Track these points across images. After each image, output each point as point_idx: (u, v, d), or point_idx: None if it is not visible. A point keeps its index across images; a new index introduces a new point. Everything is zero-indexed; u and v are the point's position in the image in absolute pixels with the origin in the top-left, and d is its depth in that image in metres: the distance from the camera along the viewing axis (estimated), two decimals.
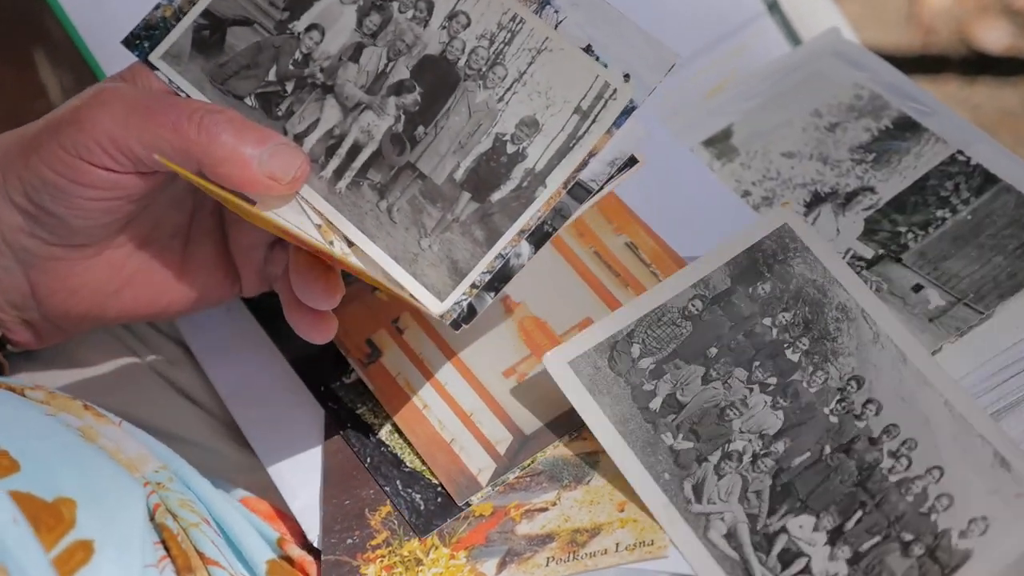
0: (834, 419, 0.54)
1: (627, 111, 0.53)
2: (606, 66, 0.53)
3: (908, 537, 0.50)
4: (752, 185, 0.65)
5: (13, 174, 0.53)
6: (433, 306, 0.53)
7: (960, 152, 0.63)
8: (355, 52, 0.56)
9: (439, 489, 0.57)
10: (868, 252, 0.61)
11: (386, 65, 0.56)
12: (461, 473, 0.58)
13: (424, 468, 0.58)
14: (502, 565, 0.54)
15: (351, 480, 0.58)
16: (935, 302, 0.58)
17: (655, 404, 0.56)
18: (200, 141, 0.51)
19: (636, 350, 0.57)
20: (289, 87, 0.56)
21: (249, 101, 0.56)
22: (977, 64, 1.62)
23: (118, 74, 0.56)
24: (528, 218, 0.53)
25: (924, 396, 0.53)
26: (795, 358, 0.55)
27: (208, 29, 0.56)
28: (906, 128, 0.65)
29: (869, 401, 0.54)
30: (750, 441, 0.54)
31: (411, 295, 0.53)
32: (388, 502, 0.57)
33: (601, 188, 0.53)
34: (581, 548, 0.53)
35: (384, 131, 0.55)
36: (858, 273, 0.60)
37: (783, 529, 0.51)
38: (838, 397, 0.54)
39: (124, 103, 0.52)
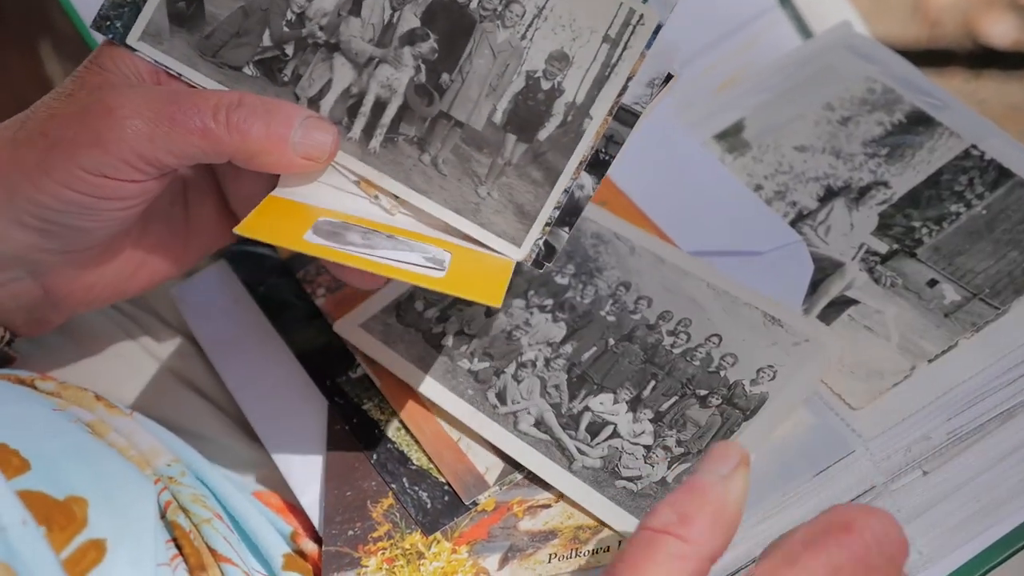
0: (612, 318, 0.58)
1: (654, 30, 0.52)
2: (646, 3, 0.52)
3: (703, 392, 0.55)
4: (764, 179, 0.64)
5: (22, 196, 0.51)
6: (511, 252, 0.52)
7: (974, 147, 0.63)
8: (354, 5, 0.53)
9: (446, 488, 0.56)
10: (883, 247, 0.60)
11: (391, 15, 0.53)
12: (468, 472, 0.56)
13: (431, 466, 0.57)
14: (504, 560, 0.53)
15: (353, 472, 0.57)
16: (950, 297, 0.58)
17: (447, 341, 0.60)
18: (233, 141, 0.50)
19: (420, 305, 0.61)
20: (289, 50, 0.54)
21: (248, 70, 0.54)
22: (983, 58, 1.61)
23: (95, 60, 0.53)
24: (583, 150, 0.52)
25: (686, 284, 0.58)
26: (564, 281, 0.61)
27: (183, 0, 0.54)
28: (919, 122, 0.64)
29: (640, 298, 0.59)
30: (540, 350, 0.58)
31: (484, 244, 0.52)
32: (390, 494, 0.56)
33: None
34: (583, 545, 0.53)
35: (406, 83, 0.53)
36: (872, 268, 0.60)
37: (586, 408, 0.56)
38: (611, 301, 0.59)
39: (143, 115, 0.50)
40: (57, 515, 0.47)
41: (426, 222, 0.53)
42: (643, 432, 0.54)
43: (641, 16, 0.52)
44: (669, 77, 0.53)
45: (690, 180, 0.64)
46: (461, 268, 0.51)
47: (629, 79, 0.52)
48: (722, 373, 0.55)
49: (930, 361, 0.55)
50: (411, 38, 0.53)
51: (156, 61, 0.53)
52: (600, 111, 0.52)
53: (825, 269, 0.60)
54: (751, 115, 0.67)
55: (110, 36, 0.53)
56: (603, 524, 0.53)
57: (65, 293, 0.55)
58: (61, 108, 0.51)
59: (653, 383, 0.56)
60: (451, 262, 0.51)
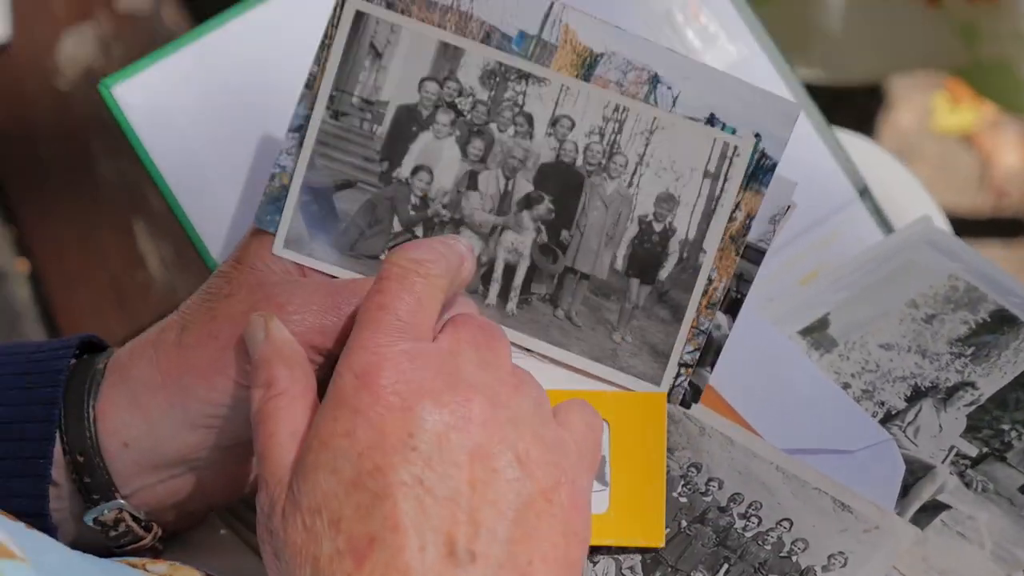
0: (684, 499, 0.58)
1: (769, 168, 0.55)
2: (734, 131, 0.55)
3: None
4: (851, 378, 0.64)
5: (195, 398, 0.52)
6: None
7: None
8: (471, 181, 0.56)
9: None
10: (972, 450, 0.60)
11: (506, 184, 0.56)
12: None
13: None
14: None
15: None
16: None
17: None
18: None
19: None
20: (419, 231, 0.56)
21: (385, 257, 0.55)
22: None
23: (243, 261, 0.55)
24: (703, 284, 0.55)
25: (756, 466, 0.58)
26: None
27: (315, 204, 0.56)
28: (1004, 322, 0.64)
29: (711, 479, 0.58)
30: None
31: (626, 388, 0.55)
32: None
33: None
34: None
35: (530, 245, 0.56)
36: (963, 472, 0.59)
37: None
38: (683, 482, 0.58)
39: (311, 309, 0.52)
40: None
41: (572, 371, 0.56)
42: None
43: (736, 148, 0.55)
44: (788, 208, 0.56)
45: (778, 375, 0.64)
46: (622, 477, 0.54)
47: (750, 217, 0.55)
48: (794, 558, 0.55)
49: None
50: (528, 202, 0.56)
51: (302, 264, 0.56)
52: (712, 244, 0.56)
53: (916, 472, 0.59)
54: (835, 311, 0.67)
55: (272, 230, 0.56)
56: None
57: (219, 485, 0.55)
58: (225, 309, 0.53)
59: (726, 567, 0.56)
60: (610, 440, 0.54)
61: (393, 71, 0.56)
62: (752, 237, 0.55)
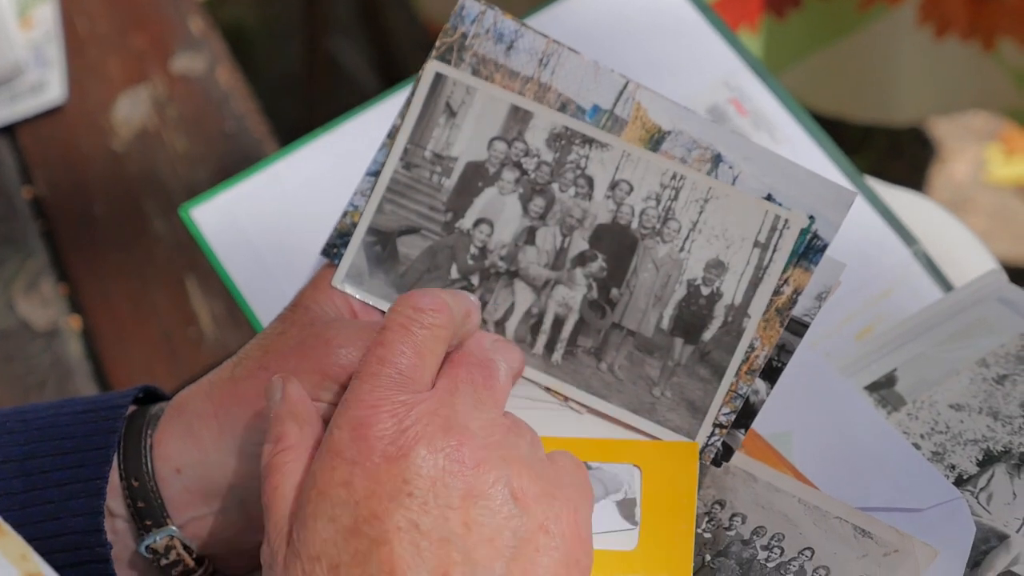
0: (708, 535, 0.59)
1: (820, 248, 0.57)
2: (790, 210, 0.57)
3: None
4: (920, 439, 0.63)
5: (244, 425, 0.55)
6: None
7: None
8: (529, 236, 0.59)
9: None
10: None
11: (563, 241, 0.59)
12: None
13: None
14: None
15: None
16: None
17: None
18: None
19: None
20: (475, 280, 0.58)
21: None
22: None
23: (299, 304, 0.58)
24: (744, 348, 0.57)
25: (778, 500, 0.59)
26: None
27: (379, 244, 0.59)
28: None
29: (734, 515, 0.59)
30: None
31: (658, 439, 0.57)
32: None
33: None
34: None
35: (580, 300, 0.58)
36: None
37: None
38: (707, 519, 0.59)
39: (356, 344, 0.54)
40: None
41: (608, 419, 0.58)
42: None
43: (787, 221, 0.57)
44: (834, 286, 0.57)
45: (846, 428, 0.63)
46: (651, 512, 0.55)
47: (797, 292, 0.57)
48: None
49: None
50: (582, 260, 0.58)
51: (358, 299, 0.58)
52: (757, 310, 0.57)
53: (989, 541, 0.57)
54: (903, 367, 0.66)
55: (336, 261, 0.59)
56: None
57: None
58: (276, 344, 0.56)
59: None
60: (641, 484, 0.55)
61: (465, 129, 0.59)
62: (797, 311, 0.57)
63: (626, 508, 0.54)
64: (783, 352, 0.57)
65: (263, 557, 0.49)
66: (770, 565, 0.58)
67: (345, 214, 0.60)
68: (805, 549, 0.58)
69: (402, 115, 0.60)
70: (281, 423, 0.51)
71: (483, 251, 0.59)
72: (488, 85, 0.59)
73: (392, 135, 0.60)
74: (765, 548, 0.58)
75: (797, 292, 0.57)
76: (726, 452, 0.57)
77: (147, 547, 0.55)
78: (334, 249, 0.60)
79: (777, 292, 0.57)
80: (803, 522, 0.58)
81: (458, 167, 0.59)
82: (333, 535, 0.46)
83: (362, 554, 0.46)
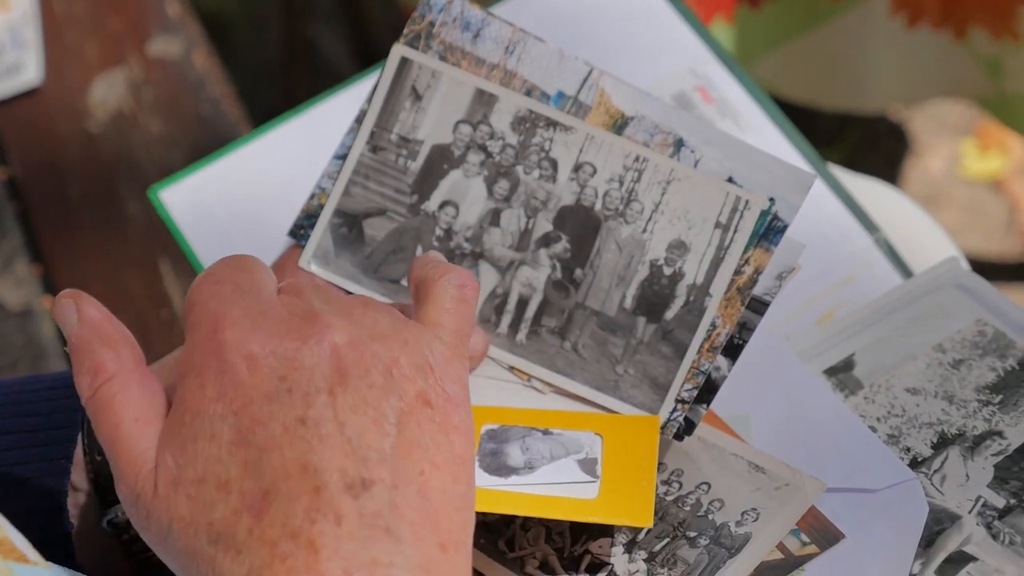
0: None
1: (780, 229, 0.58)
2: (751, 192, 0.58)
3: (692, 534, 0.59)
4: (877, 422, 0.64)
5: None
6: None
7: None
8: (494, 217, 0.59)
9: None
10: (1000, 501, 0.59)
11: (527, 223, 0.59)
12: None
13: None
14: None
15: None
16: None
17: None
18: None
19: None
20: None
21: (405, 282, 0.59)
22: None
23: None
24: (706, 327, 0.58)
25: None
26: None
27: (345, 226, 0.60)
28: None
29: None
30: None
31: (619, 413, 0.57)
32: None
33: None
34: None
35: (545, 280, 0.59)
36: (990, 524, 0.58)
37: (586, 551, 0.59)
38: None
39: None
40: None
41: (573, 399, 0.58)
42: (637, 571, 0.58)
43: (747, 202, 0.58)
44: (794, 269, 0.59)
45: (802, 408, 0.64)
46: (612, 471, 0.55)
47: (758, 273, 0.58)
48: (710, 516, 0.59)
49: None
50: (546, 241, 0.59)
51: (324, 279, 0.59)
52: (718, 289, 0.58)
53: (942, 522, 0.58)
54: (861, 352, 0.67)
55: (302, 242, 0.60)
56: None
57: None
58: None
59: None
60: (603, 449, 0.56)
61: (431, 113, 0.60)
62: (758, 290, 0.58)
63: (587, 466, 0.55)
64: (744, 330, 0.58)
65: (122, 498, 0.46)
66: (668, 499, 0.59)
67: (312, 196, 0.61)
68: (702, 483, 0.59)
69: (369, 99, 0.60)
70: (92, 351, 0.47)
71: (448, 233, 0.60)
72: (453, 69, 0.60)
73: (360, 119, 0.60)
74: (664, 483, 0.60)
75: (758, 272, 0.58)
76: (688, 427, 0.58)
77: (109, 521, 0.55)
78: (301, 230, 0.60)
79: (738, 272, 0.58)
80: (701, 459, 0.60)
81: (424, 150, 0.60)
82: (216, 452, 0.44)
83: (252, 464, 0.44)
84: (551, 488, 0.54)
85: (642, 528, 0.58)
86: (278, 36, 1.75)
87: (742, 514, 0.59)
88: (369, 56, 1.74)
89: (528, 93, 0.59)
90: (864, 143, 1.76)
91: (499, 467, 0.55)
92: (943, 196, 1.73)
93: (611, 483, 0.55)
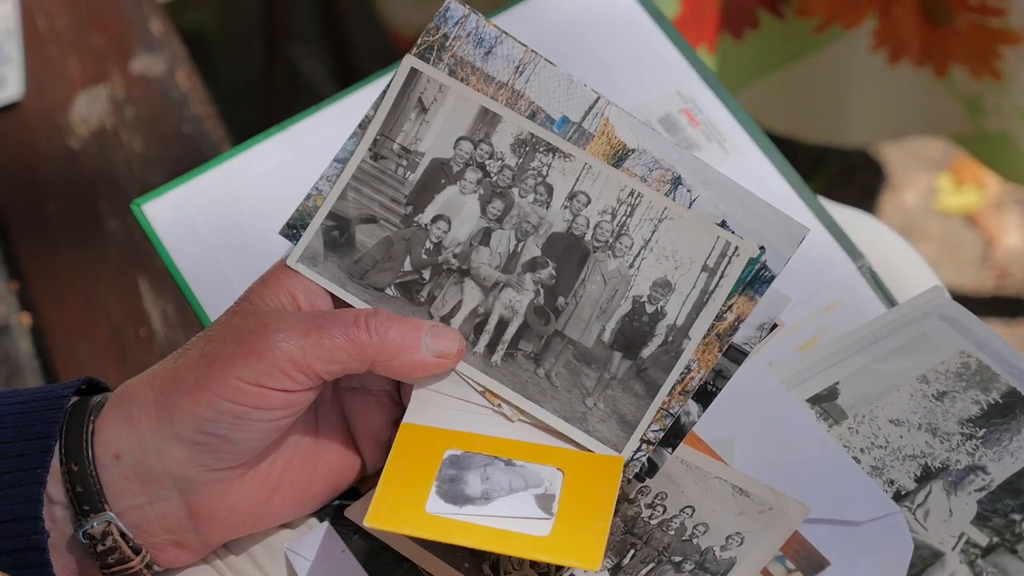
0: None
1: (767, 280, 0.58)
2: (742, 239, 0.58)
3: (677, 559, 0.58)
4: (861, 452, 0.63)
5: (181, 411, 0.55)
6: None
7: None
8: (484, 237, 0.60)
9: None
10: (983, 539, 0.58)
11: (516, 245, 0.59)
12: None
13: None
14: None
15: None
16: None
17: None
18: (373, 342, 0.55)
19: None
20: (427, 274, 0.59)
21: (390, 291, 0.59)
22: None
23: (245, 299, 0.59)
24: (680, 370, 0.57)
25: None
26: None
27: (336, 230, 0.60)
28: (1016, 405, 0.63)
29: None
30: None
31: (586, 448, 0.57)
32: None
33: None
34: None
35: (526, 305, 0.59)
36: (973, 562, 0.58)
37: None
38: None
39: (295, 329, 0.55)
40: None
41: (541, 428, 0.58)
42: None
43: (737, 248, 0.58)
44: (774, 326, 0.58)
45: (786, 437, 0.64)
46: (569, 509, 0.55)
47: (740, 320, 0.57)
48: (695, 541, 0.59)
49: None
50: (532, 266, 0.59)
51: (310, 279, 0.59)
52: (698, 333, 0.58)
53: (925, 558, 0.58)
54: (845, 380, 0.66)
55: (294, 243, 0.60)
56: None
57: (208, 514, 0.57)
58: (218, 333, 0.57)
59: (632, 552, 0.59)
60: (563, 485, 0.55)
61: (434, 126, 0.60)
62: (738, 339, 0.58)
63: (544, 502, 0.55)
64: (719, 377, 0.58)
65: None
66: (653, 522, 0.59)
67: (308, 197, 0.61)
68: (686, 507, 0.59)
69: (376, 106, 0.61)
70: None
71: (438, 247, 0.59)
72: (460, 85, 0.60)
73: (364, 124, 0.61)
74: (649, 507, 0.59)
75: (739, 320, 0.58)
76: (651, 469, 0.57)
77: (84, 532, 0.55)
78: (293, 230, 0.60)
79: (720, 318, 0.58)
80: (685, 482, 0.60)
81: (423, 162, 0.60)
82: None
83: None
84: (504, 522, 0.54)
85: (627, 554, 0.58)
86: (258, 56, 1.74)
87: (727, 538, 0.58)
88: (349, 76, 1.74)
89: (533, 115, 0.60)
90: (841, 175, 1.77)
91: (456, 495, 0.55)
92: (918, 229, 1.74)
93: (565, 522, 0.55)
